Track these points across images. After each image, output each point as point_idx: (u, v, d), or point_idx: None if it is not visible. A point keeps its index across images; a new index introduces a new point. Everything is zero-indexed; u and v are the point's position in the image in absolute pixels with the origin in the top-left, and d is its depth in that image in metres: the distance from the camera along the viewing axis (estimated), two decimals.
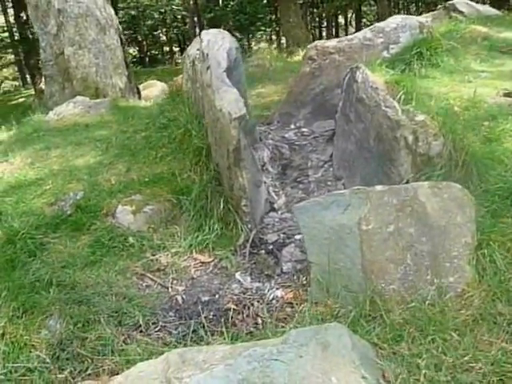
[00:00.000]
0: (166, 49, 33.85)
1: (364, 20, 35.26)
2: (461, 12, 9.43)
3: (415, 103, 3.91)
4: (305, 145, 4.80)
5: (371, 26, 5.47)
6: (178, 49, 37.31)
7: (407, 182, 3.47)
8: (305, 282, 3.12)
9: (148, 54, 33.74)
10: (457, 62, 5.13)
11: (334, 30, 30.68)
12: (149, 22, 27.30)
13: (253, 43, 38.48)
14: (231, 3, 22.66)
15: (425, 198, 2.97)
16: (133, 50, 34.49)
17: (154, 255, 3.47)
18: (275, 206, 4.00)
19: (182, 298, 3.16)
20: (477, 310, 2.65)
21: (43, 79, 7.13)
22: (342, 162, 4.25)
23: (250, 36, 34.52)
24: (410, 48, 5.12)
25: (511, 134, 3.85)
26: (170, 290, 3.22)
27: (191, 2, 24.07)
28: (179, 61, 35.79)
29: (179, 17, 29.79)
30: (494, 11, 9.40)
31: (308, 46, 5.56)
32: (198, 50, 4.46)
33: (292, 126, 5.23)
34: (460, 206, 2.96)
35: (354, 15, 31.33)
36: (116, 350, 2.70)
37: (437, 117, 3.71)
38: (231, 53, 4.33)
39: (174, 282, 3.32)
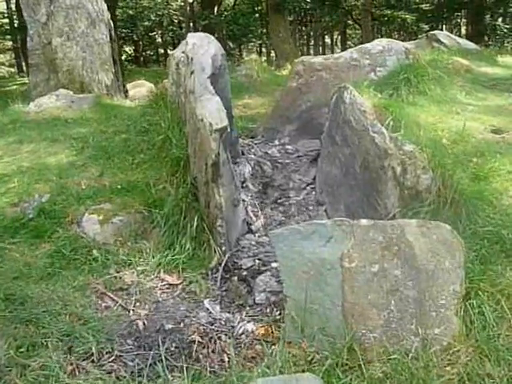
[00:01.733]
0: (161, 51, 33.16)
1: (349, 42, 35.12)
2: (442, 43, 9.15)
3: (404, 131, 3.51)
4: (288, 163, 4.35)
5: (357, 47, 5.08)
6: (172, 52, 36.49)
7: (393, 217, 3.07)
8: (278, 317, 2.68)
9: (143, 53, 32.96)
10: (443, 92, 4.76)
11: (320, 48, 30.43)
12: (146, 23, 26.55)
13: (244, 53, 38.03)
14: (225, 13, 22.16)
15: (412, 238, 2.56)
16: (129, 49, 33.69)
17: (118, 272, 2.98)
18: (253, 227, 3.54)
19: (144, 323, 2.67)
20: (463, 368, 2.25)
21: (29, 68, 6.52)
22: (326, 186, 3.83)
23: (242, 46, 34.08)
24: (397, 73, 4.74)
25: (499, 172, 3.49)
26: (131, 313, 2.73)
27: (188, 8, 23.47)
28: None
29: (176, 21, 29.12)
30: (472, 45, 9.14)
31: (295, 61, 5.13)
32: (183, 52, 3.99)
33: (276, 142, 4.79)
34: (449, 250, 2.57)
35: (339, 37, 31.11)
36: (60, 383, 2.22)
37: (426, 148, 3.32)
38: (216, 59, 3.87)
39: (137, 304, 2.84)
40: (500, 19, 26.07)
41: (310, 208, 3.77)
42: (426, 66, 4.94)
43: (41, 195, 3.26)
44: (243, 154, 4.40)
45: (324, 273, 2.56)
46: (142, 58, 32.44)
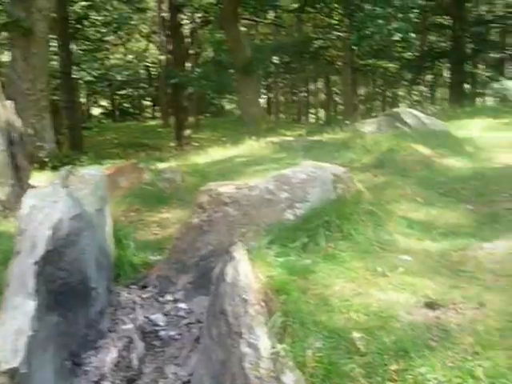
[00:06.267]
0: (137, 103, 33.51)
1: (334, 88, 35.59)
2: (406, 123, 8.53)
3: (293, 338, 2.62)
4: (170, 340, 3.46)
5: (276, 175, 4.26)
6: (149, 103, 36.67)
7: None
8: None
9: (119, 106, 33.02)
10: (375, 232, 3.87)
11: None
12: (119, 78, 26.56)
13: (226, 105, 38.25)
14: (197, 70, 21.95)
15: None
16: (106, 102, 33.79)
17: None
18: None
19: None
20: None
21: None
22: None
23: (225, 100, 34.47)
24: (318, 212, 3.90)
25: None
26: None
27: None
28: (149, 115, 34.94)
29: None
30: (440, 125, 8.49)
31: (201, 189, 4.34)
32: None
33: (168, 298, 3.91)
34: None
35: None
36: None
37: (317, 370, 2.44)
38: (61, 226, 3.03)
39: None
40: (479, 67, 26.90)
41: None
42: (356, 198, 4.11)
43: None
44: (114, 328, 3.52)
45: None
46: (117, 112, 32.41)
